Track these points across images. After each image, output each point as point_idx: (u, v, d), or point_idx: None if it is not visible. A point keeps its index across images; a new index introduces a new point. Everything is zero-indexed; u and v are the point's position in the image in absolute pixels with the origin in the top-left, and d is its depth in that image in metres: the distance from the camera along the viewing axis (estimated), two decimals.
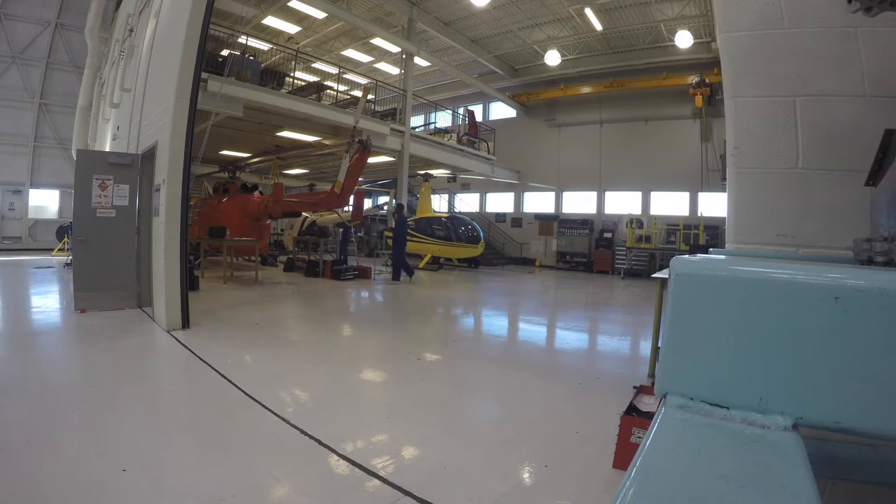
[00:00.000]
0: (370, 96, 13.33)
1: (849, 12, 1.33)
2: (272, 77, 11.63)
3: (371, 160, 12.73)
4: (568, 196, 18.81)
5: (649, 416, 2.53)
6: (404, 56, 14.54)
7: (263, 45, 14.79)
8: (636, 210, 16.81)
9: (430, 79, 20.20)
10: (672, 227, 15.29)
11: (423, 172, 16.01)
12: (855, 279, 0.62)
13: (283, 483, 2.38)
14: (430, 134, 16.71)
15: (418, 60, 14.96)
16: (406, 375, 4.30)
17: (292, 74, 13.68)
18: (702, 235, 14.19)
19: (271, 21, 14.79)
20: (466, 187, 21.60)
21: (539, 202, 19.69)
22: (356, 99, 12.95)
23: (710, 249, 1.90)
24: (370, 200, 21.30)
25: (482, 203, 21.52)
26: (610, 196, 17.70)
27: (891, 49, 1.73)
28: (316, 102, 12.15)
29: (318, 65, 17.76)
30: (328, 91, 14.45)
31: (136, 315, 6.19)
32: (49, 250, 15.82)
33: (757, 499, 0.48)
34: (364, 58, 18.05)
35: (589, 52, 16.38)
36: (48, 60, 17.53)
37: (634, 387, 3.11)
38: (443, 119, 19.84)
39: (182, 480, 2.33)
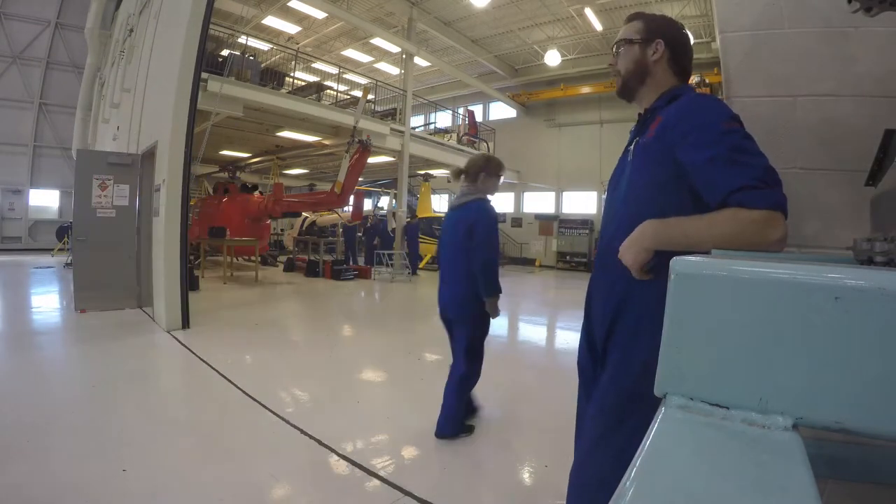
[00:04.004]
0: (370, 96, 13.32)
1: (849, 12, 1.33)
2: (272, 77, 11.63)
3: (371, 160, 12.72)
4: (568, 196, 18.81)
5: None
6: (404, 56, 14.54)
7: (263, 45, 14.78)
8: None
9: (430, 79, 20.20)
10: None
11: (422, 172, 16.00)
12: (855, 279, 0.62)
13: (283, 483, 2.38)
14: (430, 134, 16.71)
15: (418, 60, 14.96)
16: (406, 375, 4.30)
17: (292, 74, 13.67)
18: None
19: (271, 21, 14.78)
20: None
21: (539, 202, 19.68)
22: (356, 99, 12.95)
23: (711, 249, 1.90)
24: (370, 200, 21.28)
25: None
26: None
27: (891, 49, 1.73)
28: (316, 102, 12.15)
29: (318, 65, 17.76)
30: (328, 91, 14.45)
31: (136, 315, 6.19)
32: (49, 250, 15.82)
33: (757, 499, 0.48)
34: (364, 58, 18.05)
35: (589, 52, 16.38)
36: (48, 60, 17.52)
37: None
38: (443, 119, 19.83)
39: (182, 480, 2.33)
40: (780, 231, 1.15)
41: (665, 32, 1.45)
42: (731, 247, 1.15)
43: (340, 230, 14.95)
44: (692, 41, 1.63)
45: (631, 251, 1.17)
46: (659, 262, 1.13)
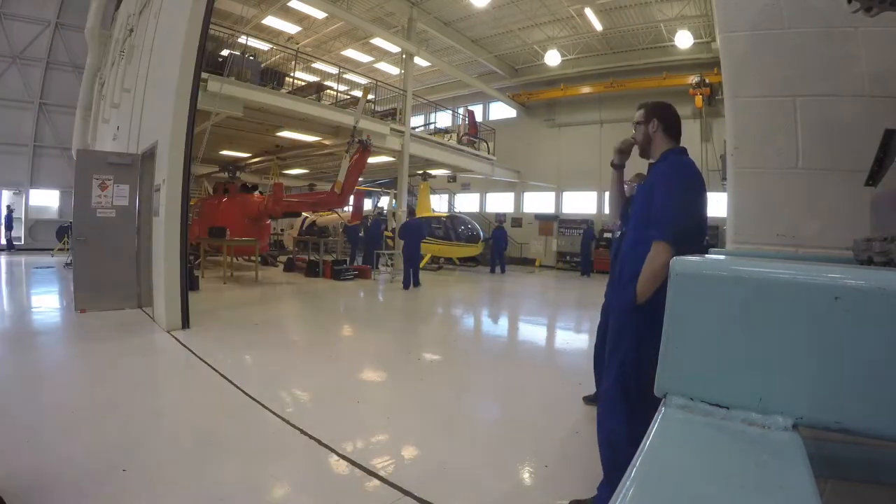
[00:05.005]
0: (370, 96, 13.31)
1: (849, 12, 1.33)
2: (272, 77, 11.62)
3: (371, 160, 12.73)
4: (568, 196, 18.81)
5: None
6: (404, 56, 14.54)
7: (263, 45, 14.78)
8: None
9: (430, 79, 20.20)
10: None
11: (421, 172, 15.98)
12: (855, 279, 0.62)
13: (283, 483, 2.38)
14: (430, 134, 16.70)
15: (418, 60, 14.95)
16: (406, 375, 4.30)
17: (292, 74, 13.67)
18: None
19: (271, 21, 14.78)
20: (466, 187, 21.59)
21: (539, 202, 19.68)
22: (356, 99, 12.95)
23: (710, 249, 1.90)
24: (370, 200, 21.27)
25: (482, 203, 21.52)
26: None
27: (891, 49, 1.73)
28: (316, 102, 12.15)
29: (318, 65, 17.75)
30: (328, 91, 14.45)
31: (136, 315, 6.19)
32: (49, 250, 15.82)
33: (757, 499, 0.48)
34: (364, 58, 18.04)
35: (589, 52, 16.37)
36: (48, 60, 17.51)
37: None
38: (443, 119, 19.82)
39: (182, 480, 2.33)
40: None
41: (658, 113, 2.19)
42: (654, 277, 1.95)
43: (341, 230, 14.97)
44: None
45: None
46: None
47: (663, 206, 2.00)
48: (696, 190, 2.05)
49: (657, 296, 1.91)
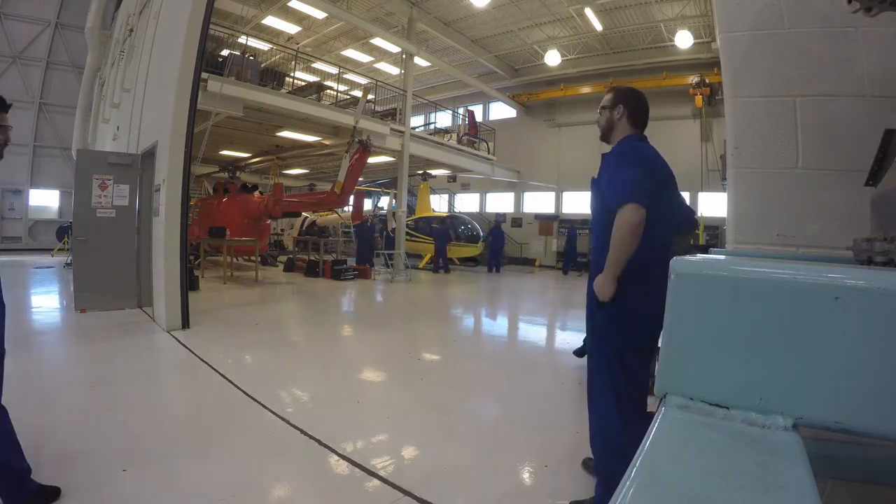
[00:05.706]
0: (370, 96, 13.30)
1: (849, 12, 1.33)
2: (272, 77, 11.63)
3: (371, 160, 12.73)
4: (568, 196, 18.81)
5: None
6: (404, 56, 14.54)
7: (263, 45, 14.78)
8: None
9: (430, 79, 20.19)
10: None
11: (421, 172, 15.97)
12: (855, 279, 0.62)
13: (283, 483, 2.38)
14: (430, 134, 16.70)
15: (418, 60, 14.95)
16: (406, 375, 4.30)
17: (292, 74, 13.67)
18: (702, 235, 14.17)
19: (271, 21, 14.78)
20: (466, 187, 21.59)
21: (539, 202, 19.68)
22: (356, 99, 12.95)
23: (710, 249, 1.90)
24: (370, 200, 21.27)
25: (482, 203, 21.52)
26: None
27: (891, 49, 1.73)
28: (316, 102, 12.15)
29: (318, 65, 17.75)
30: (328, 91, 14.45)
31: (136, 315, 6.19)
32: (49, 250, 15.82)
33: (757, 499, 0.48)
34: (364, 58, 18.04)
35: (589, 52, 16.37)
36: (48, 60, 17.52)
37: None
38: (443, 119, 19.82)
39: (182, 480, 2.33)
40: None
41: (626, 100, 2.12)
42: (625, 242, 1.81)
43: (352, 230, 14.92)
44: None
45: (601, 295, 1.91)
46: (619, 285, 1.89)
47: (611, 179, 1.92)
48: (649, 166, 1.93)
49: (630, 287, 1.87)
